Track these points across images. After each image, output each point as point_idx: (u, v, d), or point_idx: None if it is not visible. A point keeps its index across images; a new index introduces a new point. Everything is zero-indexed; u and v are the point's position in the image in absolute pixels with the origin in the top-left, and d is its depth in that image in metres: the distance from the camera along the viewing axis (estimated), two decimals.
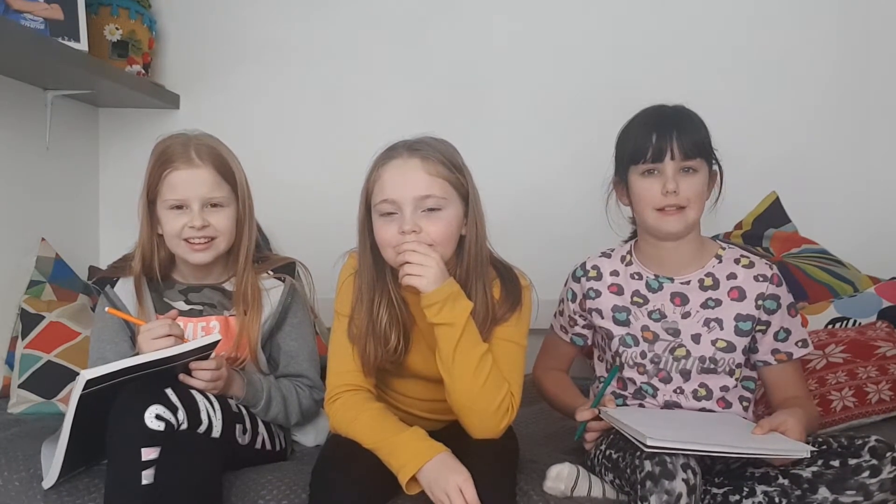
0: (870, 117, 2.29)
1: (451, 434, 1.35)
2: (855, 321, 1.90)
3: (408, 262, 1.28)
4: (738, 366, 1.43)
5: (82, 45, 1.86)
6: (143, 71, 2.17)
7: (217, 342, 1.37)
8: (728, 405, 1.43)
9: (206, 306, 1.52)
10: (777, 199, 2.19)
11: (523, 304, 1.40)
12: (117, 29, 2.10)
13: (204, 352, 1.35)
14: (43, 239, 2.01)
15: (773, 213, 2.18)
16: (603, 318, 1.48)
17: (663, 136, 1.38)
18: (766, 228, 2.15)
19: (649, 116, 1.42)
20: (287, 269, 1.57)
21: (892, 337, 1.83)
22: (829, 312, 1.91)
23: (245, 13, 2.32)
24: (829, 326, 1.89)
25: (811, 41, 2.28)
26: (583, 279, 1.51)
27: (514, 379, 1.35)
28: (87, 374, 1.21)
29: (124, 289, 1.50)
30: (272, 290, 1.53)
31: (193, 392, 1.33)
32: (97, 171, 2.34)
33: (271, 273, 1.55)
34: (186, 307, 1.51)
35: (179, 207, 1.45)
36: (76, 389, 1.22)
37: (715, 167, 1.43)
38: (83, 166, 2.28)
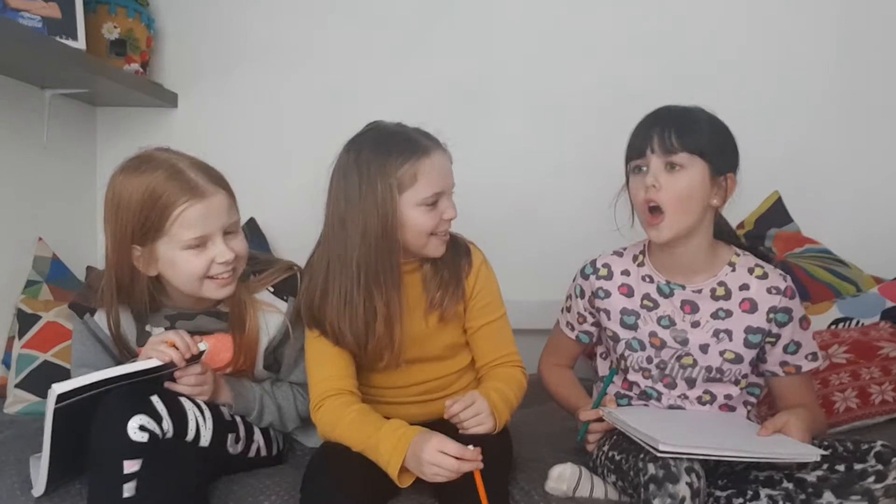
0: (872, 116, 2.28)
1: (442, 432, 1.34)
2: (858, 321, 1.89)
3: (463, 424, 1.29)
4: (745, 376, 1.41)
5: (80, 43, 1.85)
6: (141, 69, 2.15)
7: (202, 353, 1.33)
8: (731, 409, 1.42)
9: (197, 334, 1.39)
10: (779, 198, 2.18)
11: (473, 263, 1.44)
12: (115, 27, 2.08)
13: (190, 363, 1.32)
14: (40, 238, 2.00)
15: (776, 213, 2.17)
16: (610, 319, 1.46)
17: (651, 130, 1.34)
18: (768, 228, 2.15)
19: (650, 114, 1.38)
20: (289, 283, 1.46)
21: None
22: (831, 313, 1.91)
23: (244, 12, 2.30)
24: (832, 327, 1.88)
25: (813, 41, 2.27)
26: (592, 277, 1.48)
27: (512, 345, 1.48)
28: (57, 389, 1.16)
29: (104, 319, 1.39)
30: (273, 315, 1.44)
31: (183, 400, 1.28)
32: (95, 171, 2.33)
33: (271, 290, 1.46)
34: None
35: (199, 246, 1.30)
36: (49, 405, 1.17)
37: (727, 174, 1.35)
38: (81, 165, 2.27)
